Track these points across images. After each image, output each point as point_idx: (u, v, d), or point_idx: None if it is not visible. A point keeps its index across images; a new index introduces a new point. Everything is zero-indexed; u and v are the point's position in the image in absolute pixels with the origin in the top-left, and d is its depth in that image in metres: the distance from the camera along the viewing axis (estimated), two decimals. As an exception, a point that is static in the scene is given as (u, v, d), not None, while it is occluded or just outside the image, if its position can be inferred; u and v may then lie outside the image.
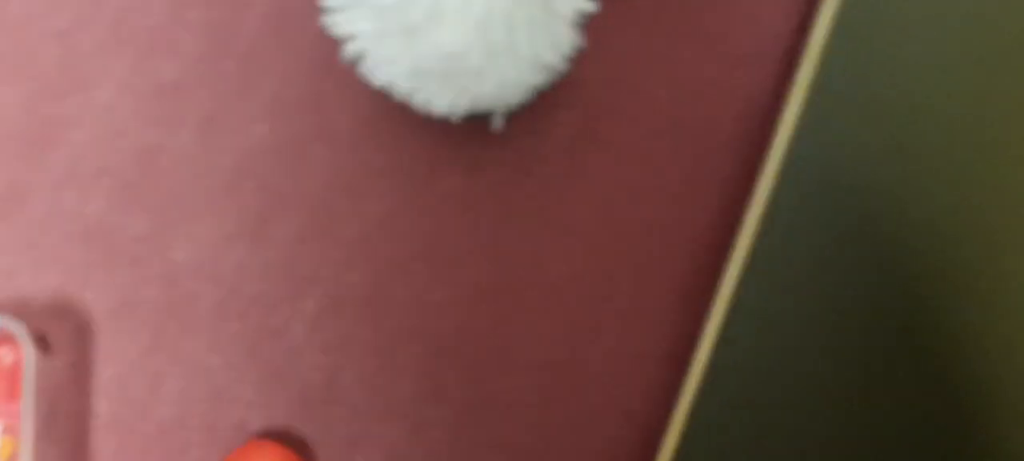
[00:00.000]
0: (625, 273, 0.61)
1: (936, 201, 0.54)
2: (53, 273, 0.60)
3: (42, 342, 0.59)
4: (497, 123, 0.61)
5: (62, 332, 0.60)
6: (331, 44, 0.63)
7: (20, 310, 0.60)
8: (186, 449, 0.59)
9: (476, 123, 0.62)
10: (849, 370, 0.54)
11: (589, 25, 0.63)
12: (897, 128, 0.54)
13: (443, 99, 0.58)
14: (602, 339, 0.60)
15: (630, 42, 0.63)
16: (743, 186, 0.61)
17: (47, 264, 0.60)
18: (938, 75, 0.54)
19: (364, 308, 0.60)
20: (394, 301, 0.60)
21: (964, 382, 0.53)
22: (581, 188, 0.61)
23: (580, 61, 0.63)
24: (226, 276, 0.60)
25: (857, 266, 0.54)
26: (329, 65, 0.63)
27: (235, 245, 0.61)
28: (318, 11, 0.63)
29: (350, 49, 0.58)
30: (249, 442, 0.57)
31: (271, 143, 0.62)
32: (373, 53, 0.56)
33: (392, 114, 0.63)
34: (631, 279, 0.61)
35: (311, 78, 0.63)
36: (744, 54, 0.62)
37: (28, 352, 0.54)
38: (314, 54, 0.63)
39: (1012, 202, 0.53)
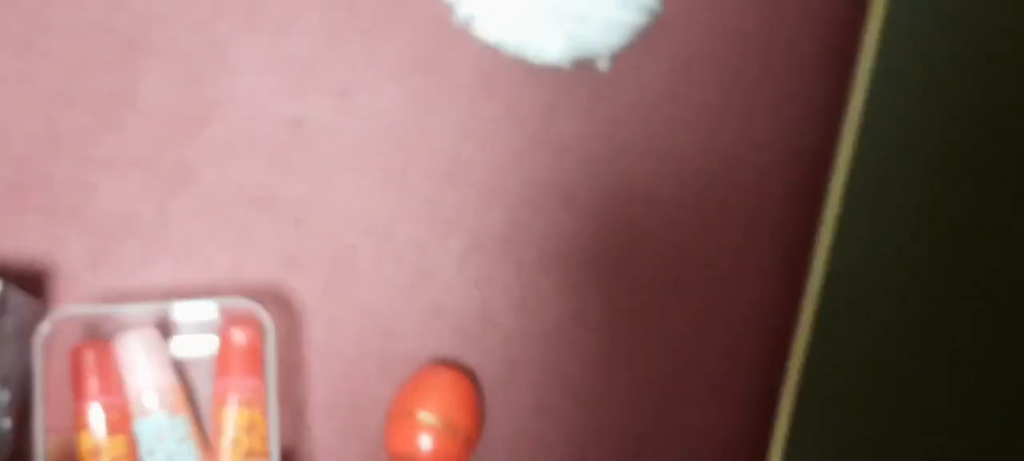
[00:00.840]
0: (732, 192, 0.70)
1: None
2: (229, 240, 0.68)
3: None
4: (603, 65, 0.68)
5: (246, 294, 0.68)
6: (444, 8, 0.70)
7: (216, 284, 0.68)
8: (366, 380, 0.68)
9: (584, 69, 0.70)
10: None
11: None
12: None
13: (552, 48, 0.65)
14: (717, 253, 0.70)
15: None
16: (836, 101, 0.70)
17: (221, 232, 0.68)
18: None
19: (505, 243, 0.69)
20: (531, 235, 0.69)
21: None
22: (684, 118, 0.69)
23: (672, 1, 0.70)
24: (379, 226, 0.69)
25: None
26: (445, 27, 0.69)
27: (382, 198, 0.69)
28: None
29: (461, 11, 0.65)
30: (424, 367, 0.66)
31: (402, 102, 0.70)
32: (482, 11, 0.64)
33: (507, 67, 0.70)
34: (739, 197, 0.70)
35: (430, 41, 0.70)
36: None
37: (269, 329, 0.61)
38: (430, 18, 0.69)
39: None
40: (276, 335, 0.65)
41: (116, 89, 0.68)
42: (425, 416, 0.63)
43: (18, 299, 0.59)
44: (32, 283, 0.66)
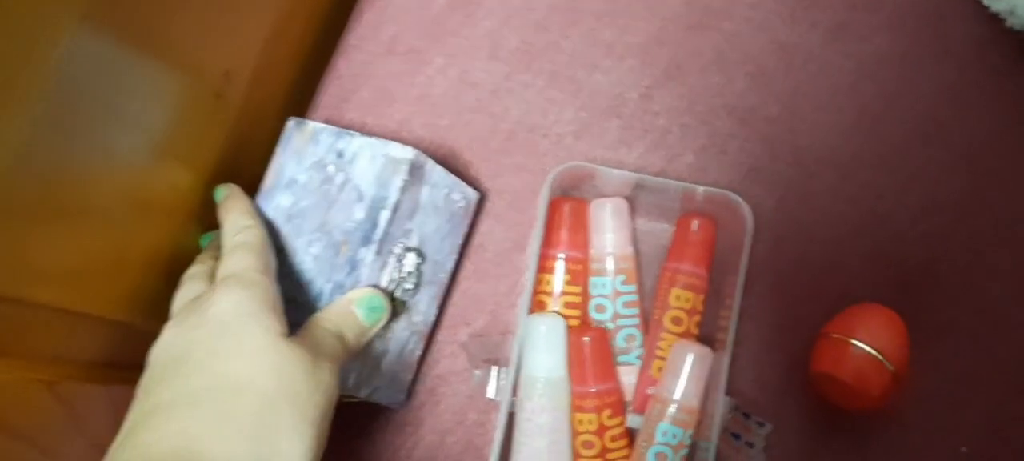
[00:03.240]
0: None
1: None
2: (699, 141, 0.73)
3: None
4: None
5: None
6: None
7: (681, 177, 0.73)
8: (798, 302, 0.70)
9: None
10: None
11: None
12: None
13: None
14: None
15: None
16: None
17: (694, 131, 0.73)
18: None
19: (962, 210, 0.69)
20: (989, 208, 0.69)
21: None
22: None
23: None
24: (842, 164, 0.71)
25: None
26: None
27: (852, 138, 0.71)
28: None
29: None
30: (862, 304, 0.68)
31: (891, 52, 0.71)
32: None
33: (1008, 39, 0.70)
34: None
35: (932, 1, 0.71)
36: None
37: (748, 217, 0.66)
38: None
39: None
40: (739, 229, 0.69)
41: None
42: (859, 343, 0.65)
43: (440, 175, 0.64)
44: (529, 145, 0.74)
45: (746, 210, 0.65)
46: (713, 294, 0.68)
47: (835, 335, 0.66)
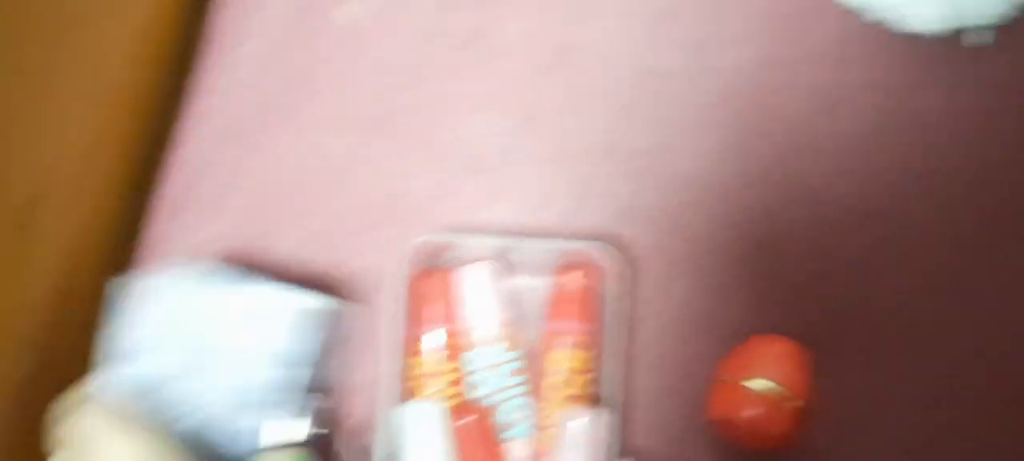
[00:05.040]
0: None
1: None
2: (564, 185, 0.68)
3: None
4: (982, 38, 0.63)
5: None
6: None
7: (551, 229, 0.68)
8: (692, 341, 0.66)
9: (951, 42, 0.65)
10: None
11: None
12: None
13: (922, 13, 0.61)
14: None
15: None
16: None
17: (560, 177, 0.68)
18: None
19: (849, 219, 0.65)
20: (880, 213, 0.65)
21: None
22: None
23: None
24: (722, 186, 0.67)
25: None
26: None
27: (729, 157, 0.67)
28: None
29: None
30: (756, 337, 0.64)
31: (756, 61, 0.68)
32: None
33: (867, 34, 0.67)
34: None
35: (789, 2, 0.67)
36: None
37: (609, 272, 0.62)
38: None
39: None
40: (615, 280, 0.64)
41: (476, 28, 0.70)
42: (753, 383, 0.61)
43: (340, 312, 0.62)
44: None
45: (611, 258, 0.61)
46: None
47: (729, 377, 0.62)
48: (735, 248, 0.66)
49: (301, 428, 0.57)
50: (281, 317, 0.57)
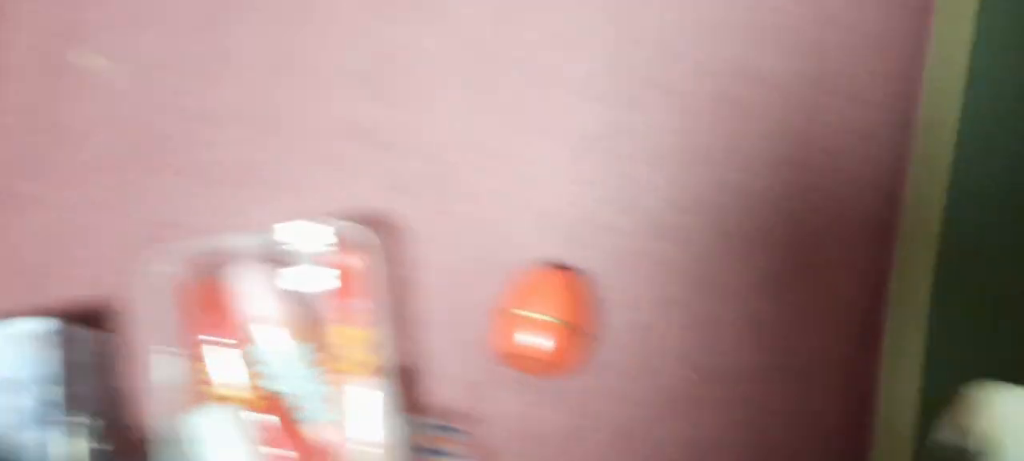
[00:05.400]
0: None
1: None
2: (333, 175, 0.70)
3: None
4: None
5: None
6: None
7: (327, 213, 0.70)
8: (476, 289, 0.68)
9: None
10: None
11: None
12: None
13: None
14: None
15: None
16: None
17: (317, 165, 0.70)
18: None
19: (608, 142, 0.69)
20: (632, 132, 0.69)
21: None
22: None
23: None
24: (476, 141, 0.69)
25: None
26: None
27: (478, 113, 0.70)
28: None
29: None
30: (536, 268, 0.66)
31: (488, 16, 0.70)
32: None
33: None
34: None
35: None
36: None
37: (375, 246, 0.63)
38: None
39: None
40: (384, 254, 0.66)
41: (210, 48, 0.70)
42: (529, 310, 0.63)
43: (80, 334, 0.62)
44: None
45: (368, 236, 0.63)
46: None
47: (507, 309, 0.64)
48: (504, 192, 0.69)
49: (74, 447, 0.57)
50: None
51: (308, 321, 0.67)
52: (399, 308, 0.68)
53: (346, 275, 0.66)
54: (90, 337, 0.63)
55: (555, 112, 0.69)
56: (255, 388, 0.64)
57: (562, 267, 0.67)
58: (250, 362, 0.65)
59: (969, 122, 0.62)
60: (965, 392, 0.51)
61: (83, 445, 0.58)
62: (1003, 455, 0.44)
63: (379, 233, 0.68)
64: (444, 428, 0.64)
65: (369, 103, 0.70)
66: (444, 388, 0.67)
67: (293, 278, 0.67)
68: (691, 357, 0.66)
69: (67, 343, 0.59)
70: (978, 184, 0.63)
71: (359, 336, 0.64)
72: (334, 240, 0.65)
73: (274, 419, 0.63)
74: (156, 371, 0.62)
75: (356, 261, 0.65)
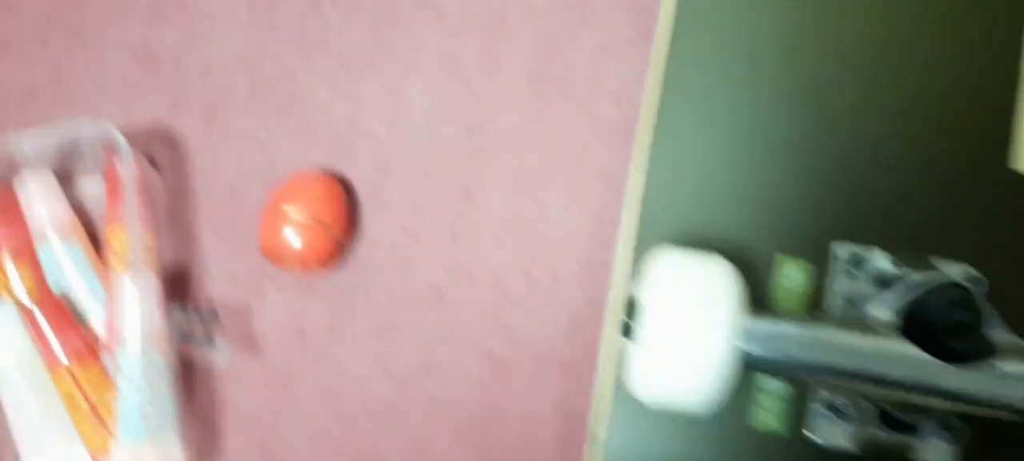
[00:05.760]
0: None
1: None
2: (116, 94, 0.74)
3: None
4: None
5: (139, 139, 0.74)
6: None
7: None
8: (249, 197, 0.73)
9: None
10: None
11: None
12: None
13: None
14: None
15: None
16: None
17: (108, 88, 0.74)
18: None
19: (370, 57, 0.74)
20: (396, 47, 0.74)
21: None
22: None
23: None
24: (251, 60, 0.74)
25: None
26: None
27: (253, 33, 0.75)
28: None
29: None
30: (303, 172, 0.71)
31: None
32: None
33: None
34: None
35: None
36: None
37: (121, 144, 0.67)
38: None
39: None
40: (165, 165, 0.71)
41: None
42: (292, 210, 0.68)
43: None
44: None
45: (117, 137, 0.67)
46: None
47: (273, 205, 0.69)
48: (274, 107, 0.73)
49: None
50: None
51: (84, 221, 0.71)
52: (179, 214, 0.73)
53: (114, 179, 0.70)
54: None
55: (329, 32, 0.74)
56: (34, 286, 0.69)
57: (325, 173, 0.72)
58: (40, 263, 0.70)
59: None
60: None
61: None
62: (644, 309, 0.47)
63: (159, 148, 0.73)
64: (213, 318, 0.69)
65: (154, 27, 0.75)
66: (217, 285, 0.72)
67: (70, 182, 0.72)
68: (445, 256, 0.71)
69: None
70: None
71: (132, 236, 0.69)
72: (100, 146, 0.70)
73: (52, 315, 0.68)
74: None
75: (127, 167, 0.70)
